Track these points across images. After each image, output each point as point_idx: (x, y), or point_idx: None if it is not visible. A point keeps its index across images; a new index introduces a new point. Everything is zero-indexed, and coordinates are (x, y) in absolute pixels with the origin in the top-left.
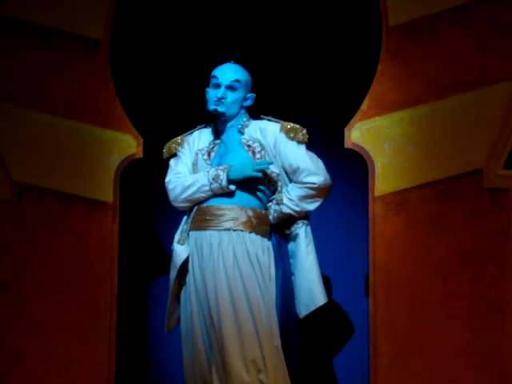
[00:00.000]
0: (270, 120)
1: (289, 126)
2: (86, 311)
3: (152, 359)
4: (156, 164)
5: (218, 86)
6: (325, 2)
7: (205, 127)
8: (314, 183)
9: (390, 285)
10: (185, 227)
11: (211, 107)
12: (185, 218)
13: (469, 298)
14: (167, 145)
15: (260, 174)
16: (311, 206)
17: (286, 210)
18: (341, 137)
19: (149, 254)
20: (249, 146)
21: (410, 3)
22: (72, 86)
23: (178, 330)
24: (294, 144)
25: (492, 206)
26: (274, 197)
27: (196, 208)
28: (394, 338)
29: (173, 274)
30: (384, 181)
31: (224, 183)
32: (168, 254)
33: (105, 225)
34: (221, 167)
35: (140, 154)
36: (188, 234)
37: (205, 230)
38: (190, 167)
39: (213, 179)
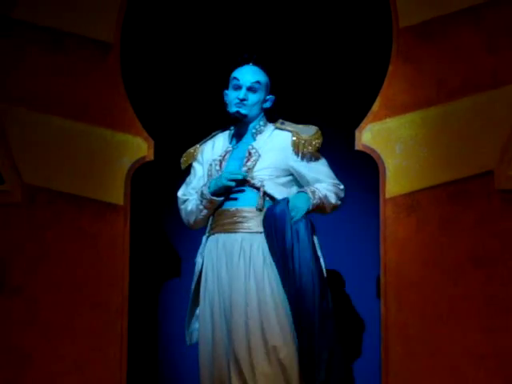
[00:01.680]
0: (284, 129)
1: (300, 138)
2: (98, 314)
3: (163, 361)
4: (167, 166)
5: (239, 87)
6: (336, 4)
7: (220, 132)
8: (340, 183)
9: (402, 287)
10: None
11: (233, 109)
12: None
13: (480, 299)
14: (184, 155)
15: (233, 184)
16: (333, 201)
17: (323, 191)
18: (351, 139)
19: (160, 256)
20: (250, 153)
21: (420, 5)
22: (83, 89)
23: None
24: (304, 158)
25: (503, 208)
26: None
27: (216, 212)
28: (406, 339)
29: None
30: (395, 183)
31: (208, 197)
32: (179, 256)
33: (116, 227)
34: (206, 183)
35: (151, 157)
36: (207, 239)
37: (235, 232)
38: (206, 178)
39: (201, 197)
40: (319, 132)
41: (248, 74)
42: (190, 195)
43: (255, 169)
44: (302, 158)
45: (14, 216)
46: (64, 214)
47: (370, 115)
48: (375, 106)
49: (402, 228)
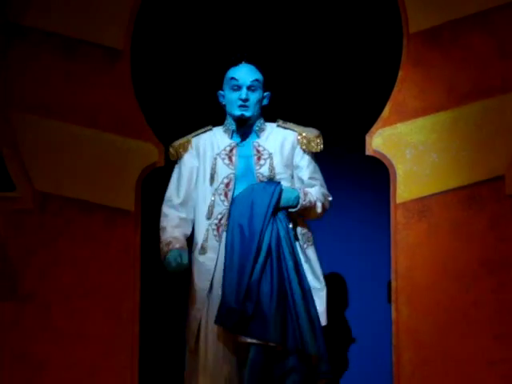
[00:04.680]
0: (286, 128)
1: (305, 137)
2: (109, 320)
3: (174, 367)
4: None
5: (238, 87)
6: (346, 8)
7: (214, 127)
8: (329, 195)
9: (413, 292)
10: (213, 233)
11: (237, 113)
12: (205, 222)
13: (491, 305)
14: (174, 146)
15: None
16: (319, 210)
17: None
18: (362, 144)
19: None
20: (258, 150)
21: (430, 10)
22: (93, 95)
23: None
24: (307, 155)
25: None
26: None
27: (226, 211)
28: (417, 345)
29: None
30: (405, 188)
31: (162, 257)
32: (190, 261)
33: (127, 233)
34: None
35: (161, 163)
36: (219, 239)
37: None
38: (207, 171)
39: (163, 245)
40: (321, 134)
41: (246, 74)
42: (171, 205)
43: (274, 167)
44: (305, 158)
45: (26, 222)
46: (75, 221)
47: (380, 120)
48: (385, 112)
49: (413, 233)
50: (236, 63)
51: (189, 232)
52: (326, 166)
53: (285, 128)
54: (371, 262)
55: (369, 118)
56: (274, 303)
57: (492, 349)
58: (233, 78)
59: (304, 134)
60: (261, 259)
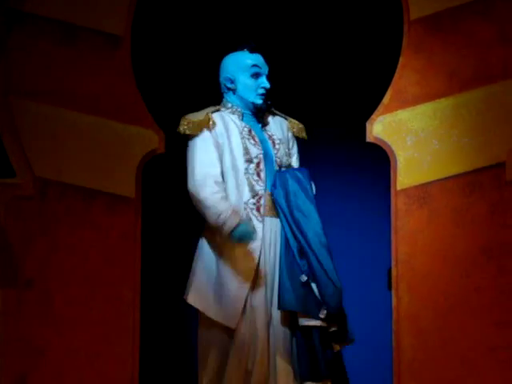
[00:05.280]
0: (278, 115)
1: (296, 123)
2: (110, 307)
3: (176, 354)
4: (178, 159)
5: (259, 75)
6: None
7: (217, 109)
8: None
9: (413, 279)
10: (253, 213)
11: (258, 101)
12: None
13: (492, 291)
14: (193, 120)
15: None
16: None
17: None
18: (362, 131)
19: (171, 248)
20: (269, 135)
21: None
22: (94, 82)
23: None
24: (296, 144)
25: None
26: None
27: (264, 193)
28: (417, 331)
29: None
30: (406, 174)
31: (225, 229)
32: (191, 249)
33: (127, 220)
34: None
35: (162, 149)
36: (263, 220)
37: (277, 217)
38: (218, 151)
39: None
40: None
41: (264, 63)
42: (211, 175)
43: (287, 154)
44: (295, 146)
45: (26, 209)
46: (75, 207)
47: (381, 107)
48: (386, 98)
49: (414, 220)
50: (252, 50)
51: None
52: (327, 152)
53: (277, 115)
54: (371, 248)
55: (369, 105)
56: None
57: (492, 335)
58: (255, 66)
59: (294, 121)
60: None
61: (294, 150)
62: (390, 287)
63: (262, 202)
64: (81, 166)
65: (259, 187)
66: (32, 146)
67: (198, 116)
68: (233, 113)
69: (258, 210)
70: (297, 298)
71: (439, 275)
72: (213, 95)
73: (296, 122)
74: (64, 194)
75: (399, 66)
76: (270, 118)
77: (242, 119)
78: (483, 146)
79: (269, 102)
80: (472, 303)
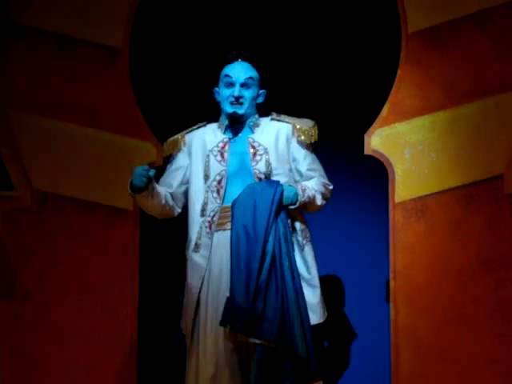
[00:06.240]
0: (280, 120)
1: (300, 128)
2: (108, 319)
3: (173, 367)
4: None
5: (231, 84)
6: (345, 8)
7: (207, 123)
8: (329, 184)
9: (411, 291)
10: (205, 231)
11: (230, 110)
12: (199, 220)
13: (489, 304)
14: (168, 143)
15: (143, 184)
16: (319, 202)
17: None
18: (360, 143)
19: (169, 261)
20: (253, 146)
21: (429, 9)
22: (92, 95)
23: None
24: (303, 148)
25: None
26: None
27: (219, 209)
28: (415, 343)
29: (198, 282)
30: (404, 187)
31: (129, 191)
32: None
33: (125, 232)
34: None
35: (160, 162)
36: (211, 236)
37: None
38: (201, 168)
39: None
40: (316, 125)
41: (240, 71)
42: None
43: (271, 163)
44: (301, 150)
45: (24, 222)
46: (74, 220)
47: (378, 120)
48: (384, 111)
49: (412, 232)
50: (231, 61)
51: (164, 202)
52: (325, 165)
53: (279, 120)
54: (370, 261)
55: (367, 118)
56: (279, 303)
57: (490, 348)
58: (226, 76)
59: (298, 126)
60: (267, 259)
61: (300, 156)
62: (388, 300)
63: (215, 218)
64: (79, 179)
65: (216, 204)
66: (30, 158)
67: (172, 138)
68: (218, 126)
69: (209, 227)
70: (233, 316)
71: (437, 288)
72: (211, 108)
73: (301, 125)
74: (62, 207)
75: (397, 79)
76: (265, 126)
77: (224, 132)
78: (481, 158)
79: (240, 112)
80: (470, 316)
